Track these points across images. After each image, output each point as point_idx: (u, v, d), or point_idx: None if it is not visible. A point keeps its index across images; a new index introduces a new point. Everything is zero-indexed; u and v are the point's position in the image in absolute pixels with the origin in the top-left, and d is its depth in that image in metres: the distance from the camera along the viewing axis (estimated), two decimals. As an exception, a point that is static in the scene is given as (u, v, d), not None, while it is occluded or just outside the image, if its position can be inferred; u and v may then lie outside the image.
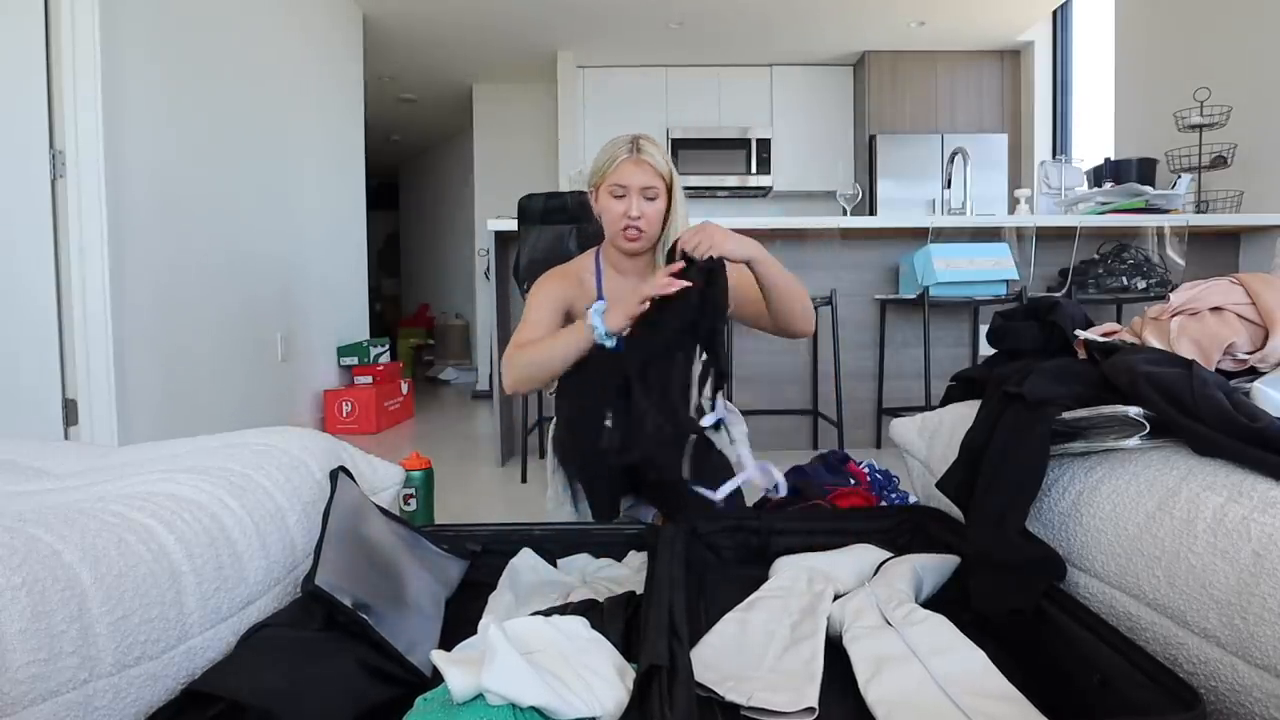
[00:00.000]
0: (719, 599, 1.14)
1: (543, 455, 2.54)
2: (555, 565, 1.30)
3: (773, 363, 3.25)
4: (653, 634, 0.82)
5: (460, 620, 1.07)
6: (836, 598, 1.08)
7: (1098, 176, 3.44)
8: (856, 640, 0.94)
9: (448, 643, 0.92)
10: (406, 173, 8.47)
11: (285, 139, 3.67)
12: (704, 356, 1.43)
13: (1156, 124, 3.65)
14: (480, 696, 0.71)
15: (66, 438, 2.34)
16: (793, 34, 5.15)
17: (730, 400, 1.59)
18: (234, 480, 1.00)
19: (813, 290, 3.16)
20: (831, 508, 1.61)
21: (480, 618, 1.02)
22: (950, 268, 2.81)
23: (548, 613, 0.99)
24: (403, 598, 1.01)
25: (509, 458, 3.05)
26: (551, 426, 1.66)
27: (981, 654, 0.88)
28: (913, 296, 2.96)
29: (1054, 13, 5.11)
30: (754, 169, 5.59)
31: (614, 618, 1.01)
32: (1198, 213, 3.26)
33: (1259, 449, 0.82)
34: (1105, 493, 0.96)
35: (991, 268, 2.82)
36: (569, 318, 1.60)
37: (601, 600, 1.08)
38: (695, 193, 5.71)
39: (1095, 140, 4.88)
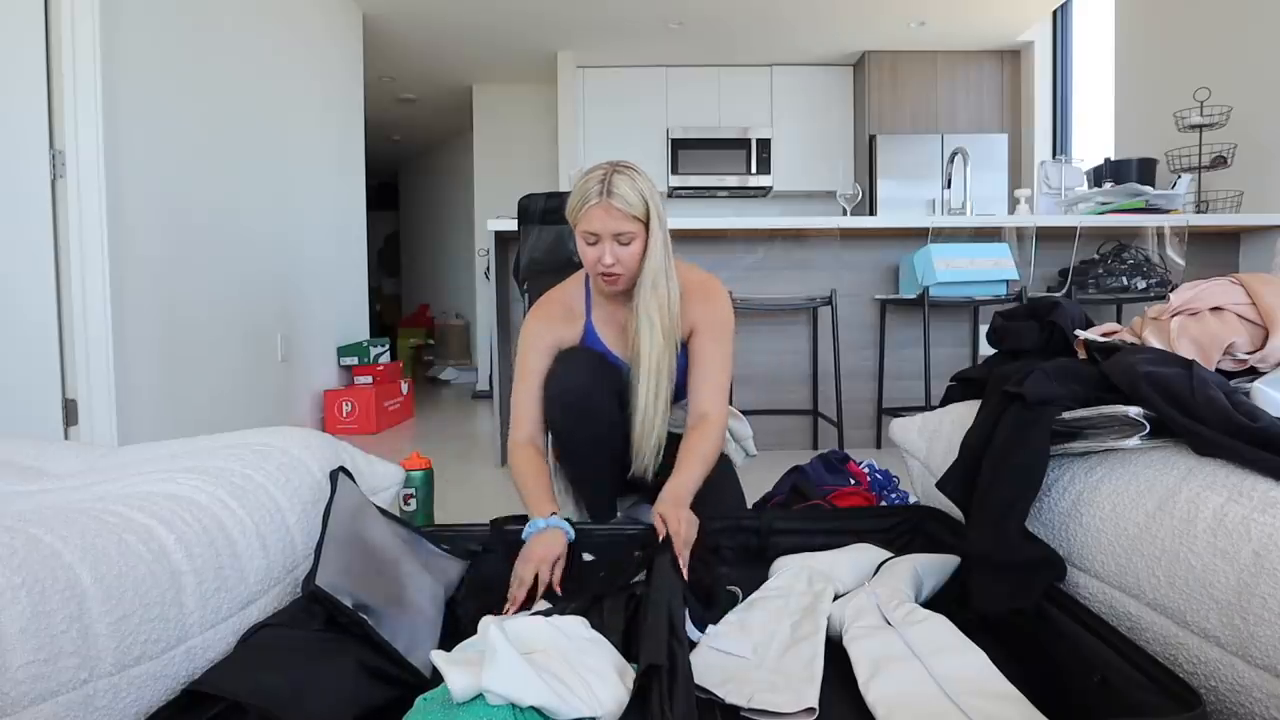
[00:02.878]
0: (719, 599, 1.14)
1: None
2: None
3: (773, 363, 3.25)
4: (653, 634, 0.82)
5: (460, 620, 1.07)
6: (836, 598, 1.08)
7: (1098, 176, 3.43)
8: (856, 640, 0.94)
9: (448, 643, 0.92)
10: (406, 173, 8.46)
11: (285, 139, 3.66)
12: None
13: (1156, 124, 3.64)
14: (480, 696, 0.71)
15: (66, 438, 2.34)
16: (793, 34, 5.15)
17: (730, 402, 1.57)
18: (234, 480, 1.00)
19: (813, 290, 3.20)
20: (831, 508, 1.61)
21: (480, 618, 1.02)
22: (950, 268, 2.81)
23: (548, 613, 0.99)
24: (403, 598, 1.01)
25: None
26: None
27: (981, 654, 0.88)
28: (913, 296, 2.96)
29: (1054, 13, 5.10)
30: (754, 169, 5.59)
31: (614, 618, 1.01)
32: (1198, 213, 3.26)
33: (1259, 449, 0.82)
34: (1105, 493, 0.96)
35: (991, 268, 2.82)
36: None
37: (602, 600, 1.08)
38: (695, 193, 5.71)
39: (1095, 140, 4.87)
